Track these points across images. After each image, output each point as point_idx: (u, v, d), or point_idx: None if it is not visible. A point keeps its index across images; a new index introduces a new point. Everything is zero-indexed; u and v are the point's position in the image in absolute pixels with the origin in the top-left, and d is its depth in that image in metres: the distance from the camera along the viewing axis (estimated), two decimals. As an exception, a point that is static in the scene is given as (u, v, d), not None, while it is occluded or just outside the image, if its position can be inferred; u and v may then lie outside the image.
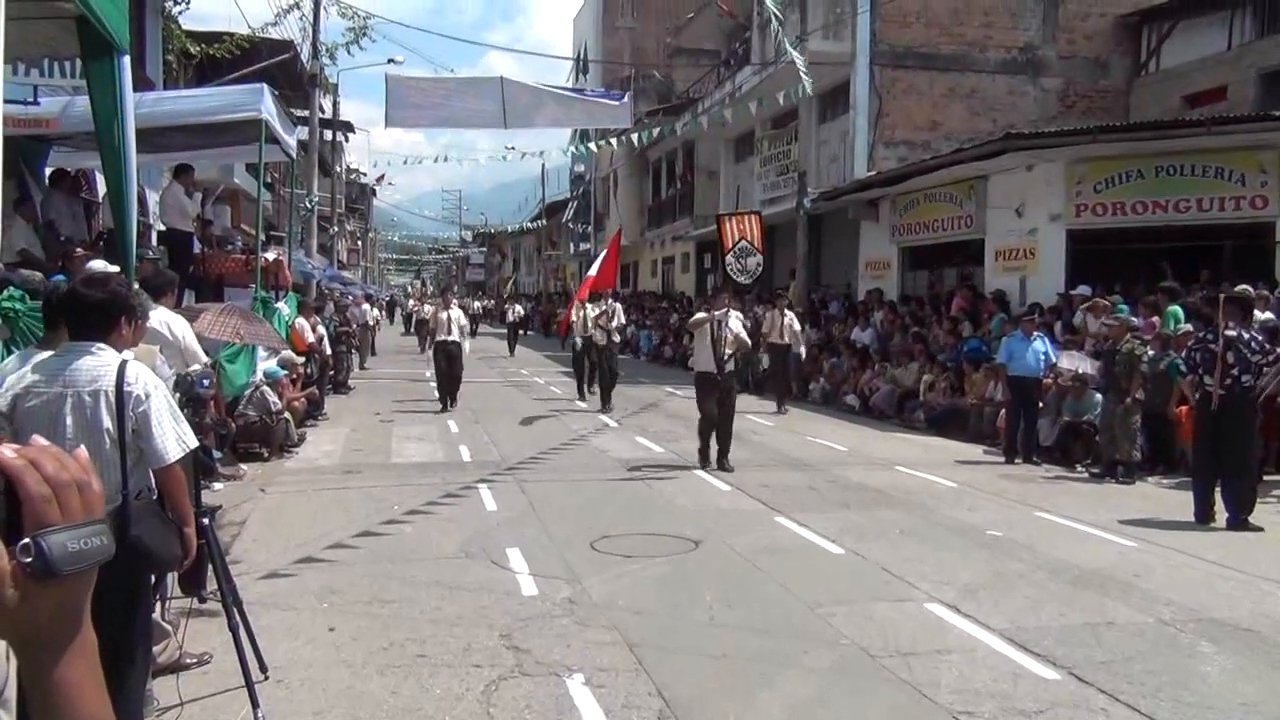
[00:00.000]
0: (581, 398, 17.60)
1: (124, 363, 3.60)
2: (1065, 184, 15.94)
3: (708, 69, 32.19)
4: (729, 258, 19.57)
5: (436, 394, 16.03)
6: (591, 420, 14.86)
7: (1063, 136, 15.55)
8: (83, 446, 1.05)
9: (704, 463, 10.74)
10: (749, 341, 11.97)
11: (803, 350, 17.61)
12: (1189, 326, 11.46)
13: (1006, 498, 9.56)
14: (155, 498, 3.76)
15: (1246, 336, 8.55)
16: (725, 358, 10.63)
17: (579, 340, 17.62)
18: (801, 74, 18.63)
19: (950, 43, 21.44)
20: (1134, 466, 10.59)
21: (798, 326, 17.15)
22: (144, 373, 3.66)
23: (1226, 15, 19.10)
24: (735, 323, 10.93)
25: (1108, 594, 6.27)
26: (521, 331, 32.24)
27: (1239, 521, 8.28)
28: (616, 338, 17.23)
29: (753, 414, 15.17)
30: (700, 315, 11.24)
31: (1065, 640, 5.35)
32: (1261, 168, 14.26)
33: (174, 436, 3.63)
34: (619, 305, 18.08)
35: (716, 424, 10.68)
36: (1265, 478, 9.75)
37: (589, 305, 17.31)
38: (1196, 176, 14.83)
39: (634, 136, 21.98)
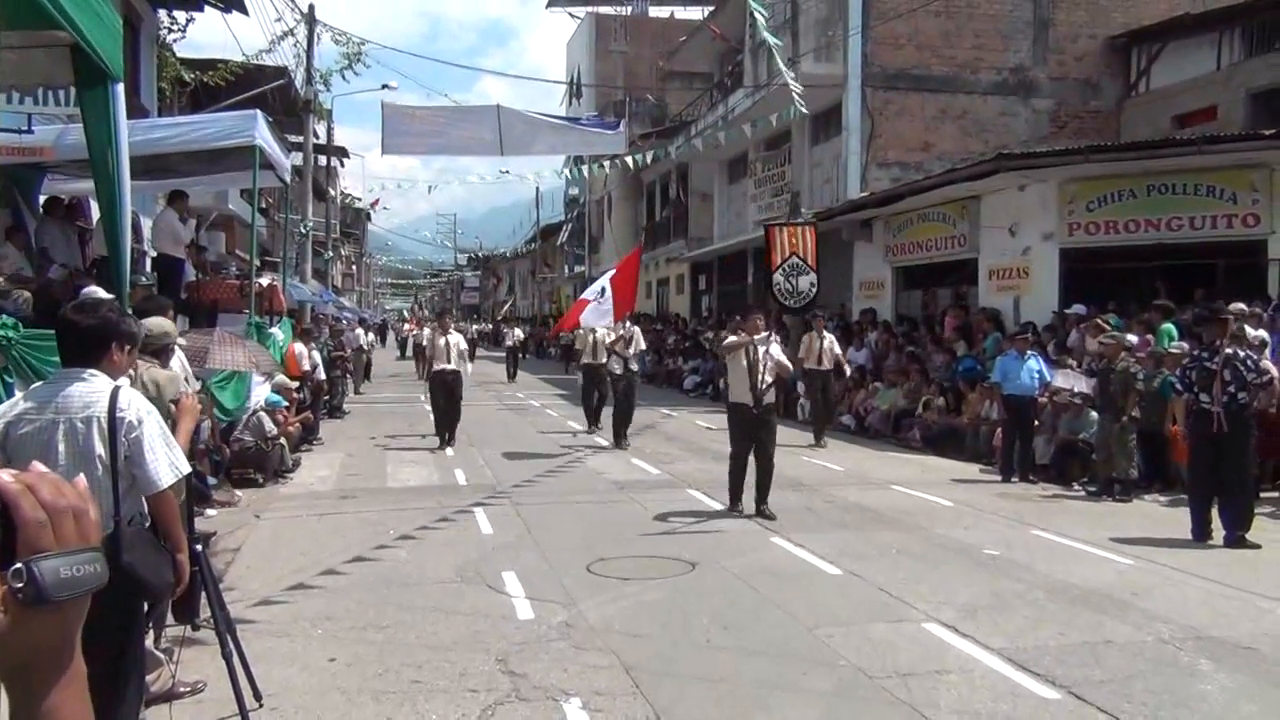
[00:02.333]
0: (590, 429, 15.76)
1: (116, 389, 3.59)
2: (1058, 203, 16.01)
3: (701, 92, 32.38)
4: (777, 276, 16.28)
5: (434, 429, 14.41)
6: (587, 443, 14.82)
7: (1055, 156, 15.64)
8: (82, 475, 1.05)
9: (735, 504, 9.49)
10: (790, 367, 10.42)
11: (847, 369, 16.63)
12: (1184, 345, 11.49)
13: (1003, 517, 9.54)
14: (148, 525, 3.74)
15: (1243, 355, 8.58)
16: (764, 388, 9.27)
17: (583, 367, 15.74)
18: (794, 96, 18.73)
19: (941, 64, 21.60)
20: (1130, 484, 10.58)
21: (838, 349, 15.86)
22: (136, 399, 3.65)
23: (1215, 36, 19.25)
24: (775, 347, 9.56)
25: (1106, 613, 6.25)
26: (521, 355, 31.90)
27: (1236, 539, 8.27)
28: (635, 366, 15.29)
29: (786, 446, 14.71)
30: (733, 339, 9.66)
31: (1064, 659, 5.32)
32: (1252, 186, 14.33)
33: (167, 462, 3.62)
34: (638, 329, 15.96)
35: (760, 461, 9.36)
36: (1260, 494, 9.75)
37: (598, 328, 15.34)
38: (1188, 195, 14.90)
39: (628, 160, 22.06)
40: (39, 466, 0.99)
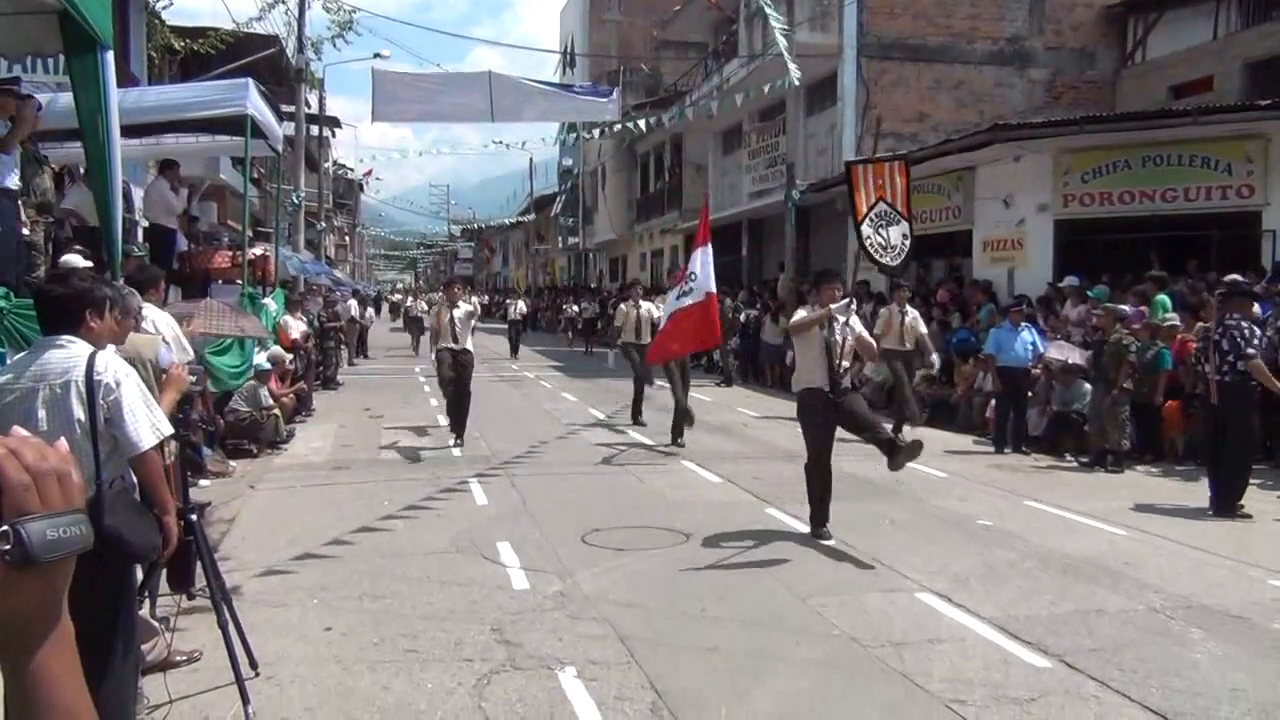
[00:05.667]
0: (635, 420, 13.75)
1: (93, 353, 3.58)
2: (1053, 174, 15.97)
3: (695, 62, 32.16)
4: (864, 228, 12.12)
5: (448, 417, 12.80)
6: (582, 414, 14.84)
7: (1050, 127, 15.58)
8: (63, 439, 1.05)
9: (819, 526, 7.45)
10: (874, 345, 8.53)
11: (935, 359, 13.63)
12: (1174, 316, 11.53)
13: (996, 487, 9.59)
14: (135, 491, 3.73)
15: (1245, 325, 8.58)
16: (842, 370, 7.44)
17: (623, 347, 13.97)
18: (789, 66, 18.60)
19: (937, 34, 21.47)
20: (1123, 456, 10.62)
21: (924, 328, 13.32)
22: (114, 362, 3.63)
23: (1212, 6, 19.15)
24: (856, 319, 7.81)
25: (1098, 582, 6.29)
26: (523, 329, 31.29)
27: (1230, 510, 8.31)
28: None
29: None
30: (803, 314, 7.83)
31: (1056, 629, 5.36)
32: (1247, 157, 14.30)
33: (147, 424, 3.60)
34: None
35: (870, 437, 7.38)
36: (1251, 466, 9.79)
37: (644, 303, 13.77)
38: (1183, 166, 14.87)
39: (620, 127, 21.94)
40: (21, 430, 0.99)
